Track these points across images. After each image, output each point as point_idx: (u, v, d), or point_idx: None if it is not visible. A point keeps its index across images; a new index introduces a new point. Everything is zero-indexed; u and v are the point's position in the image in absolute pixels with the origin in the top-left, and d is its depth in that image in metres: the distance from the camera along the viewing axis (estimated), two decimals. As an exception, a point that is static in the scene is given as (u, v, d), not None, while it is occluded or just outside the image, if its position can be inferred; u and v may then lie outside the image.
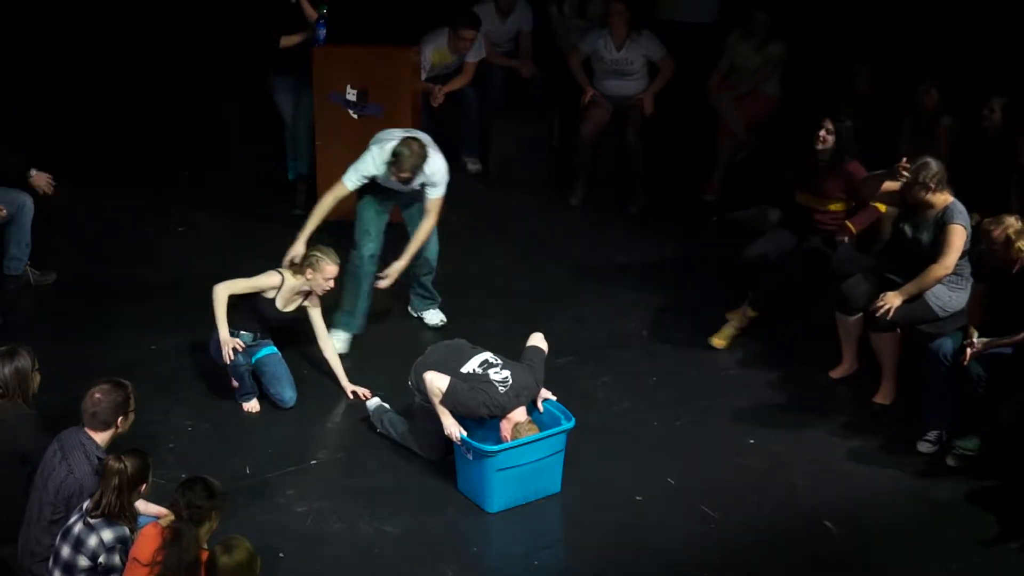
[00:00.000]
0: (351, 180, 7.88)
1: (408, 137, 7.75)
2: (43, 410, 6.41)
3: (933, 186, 7.27)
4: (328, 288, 7.46)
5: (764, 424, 7.51)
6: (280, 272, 7.46)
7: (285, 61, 9.57)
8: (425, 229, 7.96)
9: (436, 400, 6.68)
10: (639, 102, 9.99)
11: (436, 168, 7.89)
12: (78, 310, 8.44)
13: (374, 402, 7.41)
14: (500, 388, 6.69)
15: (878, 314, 7.36)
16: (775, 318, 8.27)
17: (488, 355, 6.90)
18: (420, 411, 6.92)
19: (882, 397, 7.67)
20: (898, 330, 7.50)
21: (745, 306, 8.18)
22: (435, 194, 7.94)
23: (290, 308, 7.51)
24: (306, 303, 7.54)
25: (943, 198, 7.33)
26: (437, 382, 6.67)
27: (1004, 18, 9.30)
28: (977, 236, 7.21)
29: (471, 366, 6.81)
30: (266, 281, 7.42)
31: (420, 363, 6.90)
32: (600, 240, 9.66)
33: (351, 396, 7.61)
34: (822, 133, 7.90)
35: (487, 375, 6.75)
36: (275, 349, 7.57)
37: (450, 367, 6.79)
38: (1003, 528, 6.65)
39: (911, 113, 8.88)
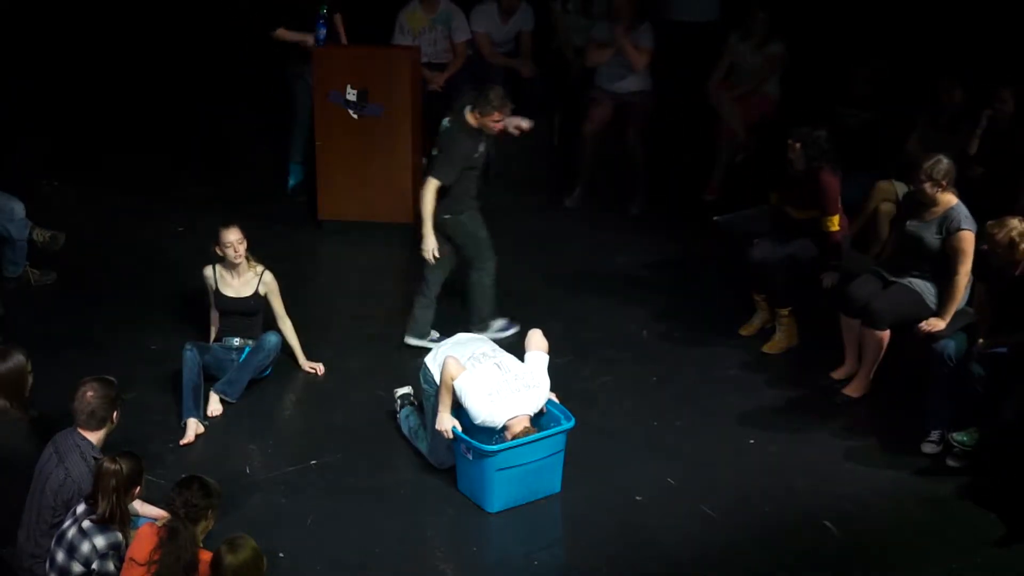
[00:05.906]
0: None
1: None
2: (42, 410, 6.43)
3: (944, 184, 7.26)
4: (230, 253, 7.49)
5: (764, 424, 7.50)
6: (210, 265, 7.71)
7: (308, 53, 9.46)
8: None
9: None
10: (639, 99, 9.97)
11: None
12: (78, 310, 8.44)
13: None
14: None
15: (923, 333, 7.28)
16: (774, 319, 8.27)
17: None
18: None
19: (853, 390, 7.65)
20: (888, 331, 7.49)
21: (768, 310, 8.19)
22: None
23: (239, 293, 7.61)
24: (260, 288, 7.63)
25: (947, 198, 7.32)
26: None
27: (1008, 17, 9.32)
28: (980, 235, 7.20)
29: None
30: (206, 276, 7.68)
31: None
32: (600, 240, 9.65)
33: (308, 371, 7.81)
34: (789, 145, 7.92)
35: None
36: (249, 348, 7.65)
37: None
38: (1003, 528, 6.64)
39: (928, 112, 8.84)
